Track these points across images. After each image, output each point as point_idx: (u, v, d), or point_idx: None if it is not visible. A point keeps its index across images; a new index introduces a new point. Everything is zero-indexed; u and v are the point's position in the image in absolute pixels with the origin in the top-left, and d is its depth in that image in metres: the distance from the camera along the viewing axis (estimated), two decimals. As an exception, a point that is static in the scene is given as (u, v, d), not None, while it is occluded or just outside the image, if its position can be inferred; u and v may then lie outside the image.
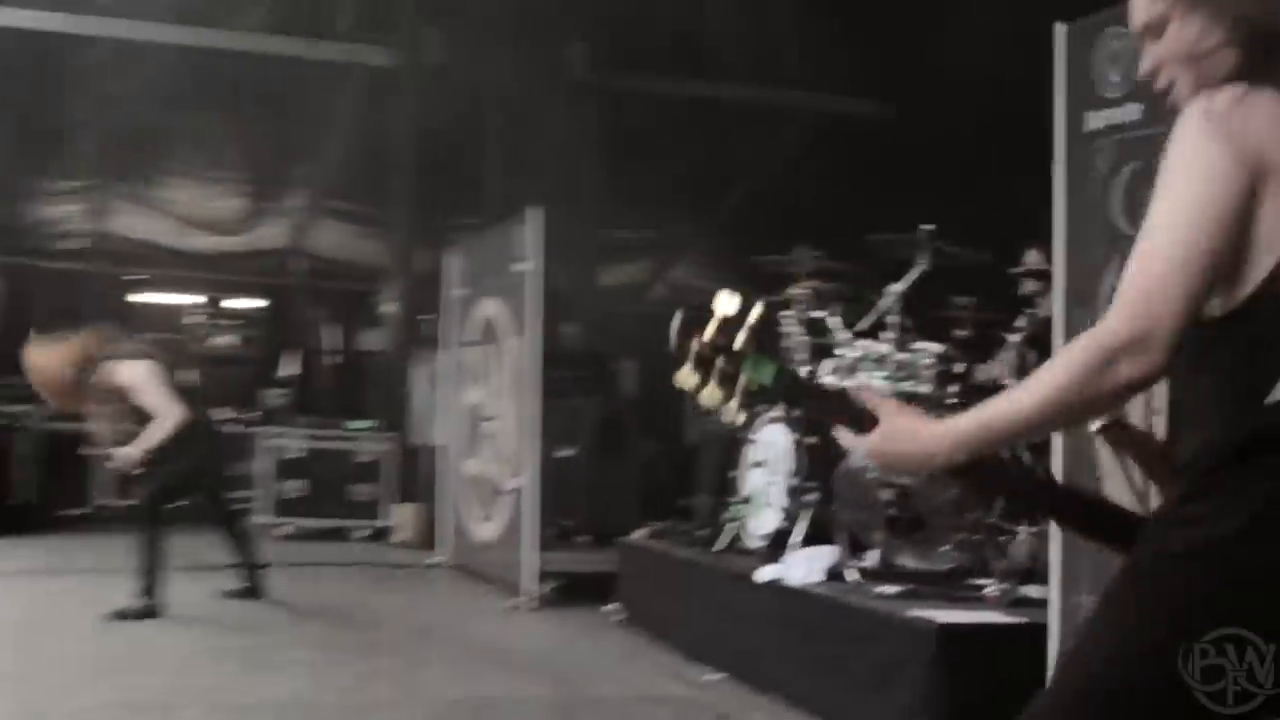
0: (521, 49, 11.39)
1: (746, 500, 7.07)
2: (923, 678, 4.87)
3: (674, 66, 11.93)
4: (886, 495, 6.05)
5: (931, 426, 2.27)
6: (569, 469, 10.29)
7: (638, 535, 8.11)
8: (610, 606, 7.80)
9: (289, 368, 13.27)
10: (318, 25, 11.78)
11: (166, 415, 7.53)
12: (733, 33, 11.29)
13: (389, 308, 12.48)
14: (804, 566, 6.06)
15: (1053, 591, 4.32)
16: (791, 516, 6.57)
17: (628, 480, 10.63)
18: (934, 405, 6.12)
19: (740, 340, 2.31)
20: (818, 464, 6.49)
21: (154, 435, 7.55)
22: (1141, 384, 2.12)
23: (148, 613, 7.48)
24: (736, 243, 11.09)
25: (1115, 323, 2.10)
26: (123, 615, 7.45)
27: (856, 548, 6.13)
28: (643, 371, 11.68)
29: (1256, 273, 2.07)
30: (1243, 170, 2.08)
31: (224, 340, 12.85)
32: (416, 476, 11.59)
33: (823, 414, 2.49)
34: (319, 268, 14.31)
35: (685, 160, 12.39)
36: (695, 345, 2.32)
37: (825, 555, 6.07)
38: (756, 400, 2.41)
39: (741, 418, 2.54)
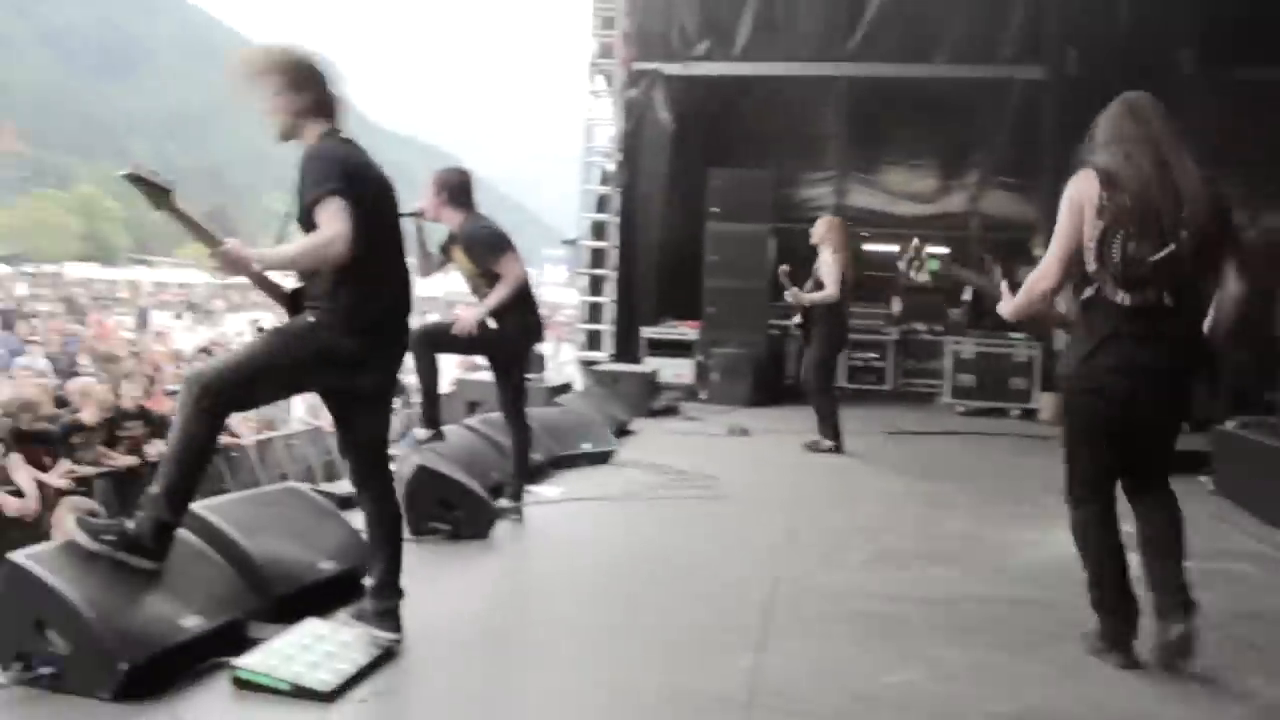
0: (1142, 58, 10.37)
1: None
2: None
3: (1260, 60, 10.44)
4: None
5: (1006, 300, 3.70)
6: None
7: (1229, 424, 7.26)
8: (1204, 478, 7.05)
9: (966, 294, 12.92)
10: (988, 54, 11.30)
11: (830, 288, 7.79)
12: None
13: (1038, 251, 11.86)
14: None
15: None
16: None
17: (1220, 381, 9.57)
18: None
19: (923, 251, 4.44)
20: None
21: (814, 297, 7.85)
22: (1051, 295, 3.48)
23: (835, 450, 7.80)
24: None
25: (1036, 270, 3.49)
26: (814, 448, 7.74)
27: None
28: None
29: (1088, 255, 3.37)
30: (1076, 207, 3.40)
31: (921, 276, 12.69)
32: (1056, 373, 10.98)
33: (973, 284, 5.09)
34: (988, 223, 13.86)
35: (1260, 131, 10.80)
36: (909, 254, 4.48)
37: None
38: (936, 277, 4.70)
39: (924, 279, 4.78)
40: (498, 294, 5.08)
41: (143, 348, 15.42)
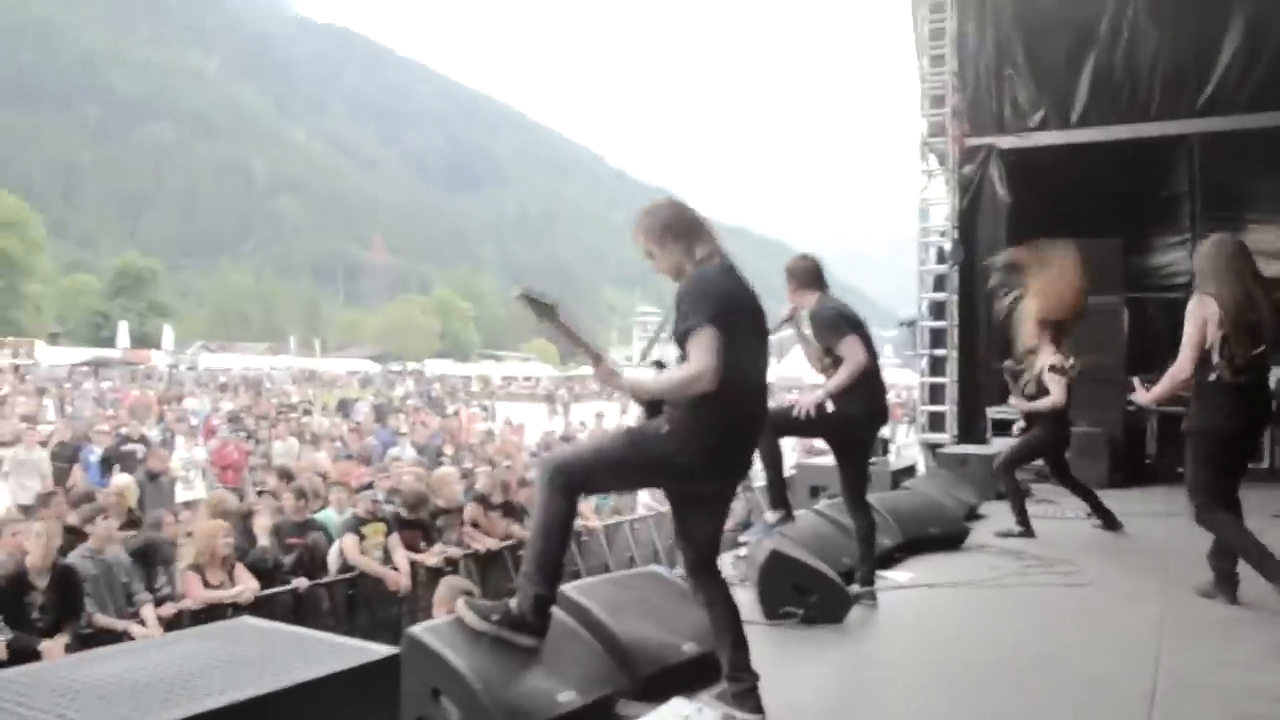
0: None
1: None
2: None
3: None
4: None
5: (1140, 392, 5.69)
6: None
7: None
8: None
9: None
10: None
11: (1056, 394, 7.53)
12: None
13: None
14: None
15: None
16: None
17: None
18: None
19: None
20: None
21: (1037, 405, 7.62)
22: (1188, 382, 5.06)
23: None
24: None
25: (1175, 365, 5.10)
26: (1006, 534, 7.35)
27: None
28: None
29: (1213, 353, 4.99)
30: (1200, 321, 4.96)
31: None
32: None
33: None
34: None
35: None
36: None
37: None
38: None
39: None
40: (838, 377, 5.10)
41: (500, 438, 16.52)
